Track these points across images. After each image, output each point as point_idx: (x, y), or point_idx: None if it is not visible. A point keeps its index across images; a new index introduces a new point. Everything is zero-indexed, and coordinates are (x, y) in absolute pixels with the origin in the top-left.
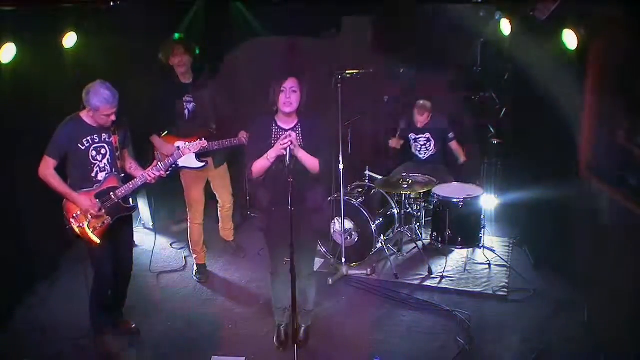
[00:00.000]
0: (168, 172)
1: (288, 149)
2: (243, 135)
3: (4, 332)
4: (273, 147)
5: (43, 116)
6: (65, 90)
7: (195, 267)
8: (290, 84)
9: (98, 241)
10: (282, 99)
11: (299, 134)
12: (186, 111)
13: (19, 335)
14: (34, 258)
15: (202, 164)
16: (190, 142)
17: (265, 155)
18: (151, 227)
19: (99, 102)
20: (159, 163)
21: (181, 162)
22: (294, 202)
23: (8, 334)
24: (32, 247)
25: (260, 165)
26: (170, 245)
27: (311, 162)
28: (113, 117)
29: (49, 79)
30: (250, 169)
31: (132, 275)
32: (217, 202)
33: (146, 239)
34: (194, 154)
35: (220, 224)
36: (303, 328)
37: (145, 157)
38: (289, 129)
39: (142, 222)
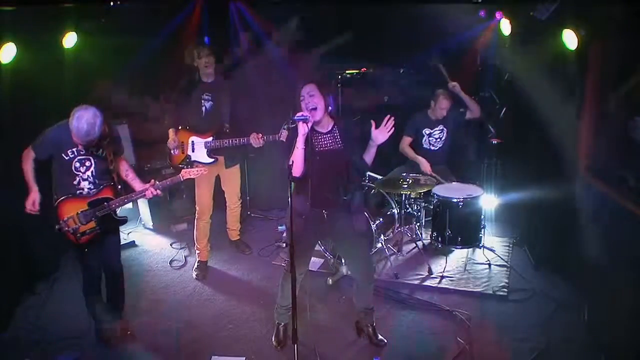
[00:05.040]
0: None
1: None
2: (254, 137)
3: (4, 332)
4: (311, 148)
5: (43, 116)
6: (65, 90)
7: (196, 264)
8: (307, 89)
9: (85, 249)
10: (303, 106)
11: (337, 136)
12: (203, 108)
13: (19, 335)
14: (34, 258)
15: (212, 160)
16: (204, 138)
17: (295, 145)
18: (151, 227)
19: (74, 130)
20: (156, 182)
21: (193, 157)
22: (335, 207)
23: (8, 334)
24: (32, 247)
25: (296, 157)
26: (170, 245)
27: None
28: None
29: (49, 79)
30: (291, 167)
31: (132, 275)
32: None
33: (146, 239)
34: (206, 150)
35: (227, 223)
36: (370, 327)
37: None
38: (325, 132)
39: (142, 222)
